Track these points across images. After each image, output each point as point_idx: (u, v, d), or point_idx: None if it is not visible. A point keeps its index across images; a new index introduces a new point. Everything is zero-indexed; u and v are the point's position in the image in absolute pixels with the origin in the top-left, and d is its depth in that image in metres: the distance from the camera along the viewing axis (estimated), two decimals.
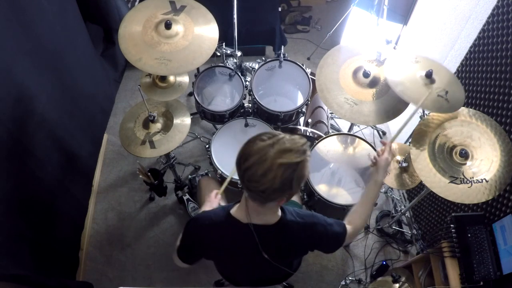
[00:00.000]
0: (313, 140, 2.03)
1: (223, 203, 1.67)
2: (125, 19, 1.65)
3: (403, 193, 2.53)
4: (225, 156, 2.00)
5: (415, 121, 1.56)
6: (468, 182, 1.42)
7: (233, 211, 1.13)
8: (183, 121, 1.91)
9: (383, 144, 1.40)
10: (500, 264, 1.51)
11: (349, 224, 1.26)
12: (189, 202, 2.33)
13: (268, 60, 2.19)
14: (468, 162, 1.45)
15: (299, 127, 2.14)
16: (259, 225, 1.09)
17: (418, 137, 1.52)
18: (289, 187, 0.95)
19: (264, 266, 1.16)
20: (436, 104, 1.45)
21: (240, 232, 1.12)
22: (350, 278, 2.24)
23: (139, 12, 1.67)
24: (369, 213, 1.35)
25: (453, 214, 1.67)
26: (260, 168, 0.91)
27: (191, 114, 2.01)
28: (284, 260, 1.25)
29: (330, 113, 2.47)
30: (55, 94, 1.93)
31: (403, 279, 1.91)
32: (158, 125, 1.88)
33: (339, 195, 1.85)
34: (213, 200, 1.46)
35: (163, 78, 1.98)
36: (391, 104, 1.68)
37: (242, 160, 0.94)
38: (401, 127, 1.43)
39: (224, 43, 2.35)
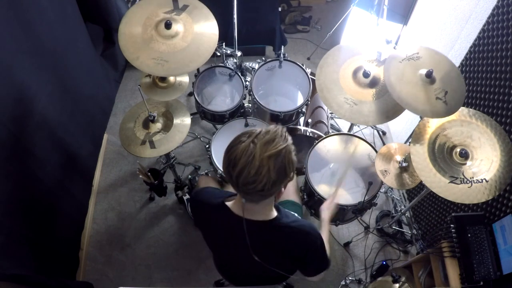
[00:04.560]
0: (313, 140, 2.03)
1: None
2: (127, 15, 1.65)
3: (403, 193, 2.53)
4: None
5: (415, 121, 1.56)
6: (468, 182, 1.42)
7: (228, 202, 1.14)
8: (183, 121, 1.91)
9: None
10: (500, 264, 1.51)
11: None
12: (189, 202, 2.33)
13: (268, 60, 2.19)
14: (468, 162, 1.45)
15: (299, 127, 2.14)
16: (252, 220, 1.08)
17: (418, 137, 1.52)
18: (284, 175, 0.95)
19: (252, 262, 1.14)
20: (434, 109, 1.44)
21: (230, 222, 1.12)
22: (350, 278, 2.24)
23: (141, 9, 1.67)
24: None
25: (453, 214, 1.67)
26: (251, 168, 0.90)
27: (191, 114, 2.01)
28: (270, 261, 1.23)
29: (330, 113, 2.47)
30: (55, 94, 1.93)
31: (403, 279, 1.91)
32: (158, 125, 1.88)
33: (339, 195, 1.84)
34: None
35: (163, 78, 1.98)
36: (391, 104, 1.68)
37: (231, 167, 0.93)
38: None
39: (224, 43, 2.35)
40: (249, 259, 1.14)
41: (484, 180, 1.41)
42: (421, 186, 1.99)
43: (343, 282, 2.23)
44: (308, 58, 3.24)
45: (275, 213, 1.12)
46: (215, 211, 1.16)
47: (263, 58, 2.62)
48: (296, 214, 1.48)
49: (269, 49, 3.22)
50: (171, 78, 2.00)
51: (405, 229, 2.38)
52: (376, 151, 1.89)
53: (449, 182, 1.42)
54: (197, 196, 1.24)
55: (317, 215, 1.99)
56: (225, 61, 2.43)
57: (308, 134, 2.09)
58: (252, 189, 0.94)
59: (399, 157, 1.85)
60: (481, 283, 1.51)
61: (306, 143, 2.07)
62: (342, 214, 1.94)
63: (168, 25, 1.62)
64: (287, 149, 0.95)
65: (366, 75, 1.71)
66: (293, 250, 1.16)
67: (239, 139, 0.95)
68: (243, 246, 1.12)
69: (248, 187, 0.93)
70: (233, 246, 1.22)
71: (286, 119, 2.11)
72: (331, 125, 2.55)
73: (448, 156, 1.47)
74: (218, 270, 1.54)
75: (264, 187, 0.93)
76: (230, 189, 1.19)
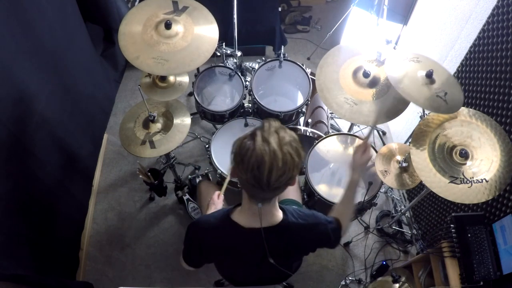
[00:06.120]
0: (313, 140, 2.03)
1: (221, 205, 1.67)
2: (127, 16, 1.65)
3: (403, 193, 2.53)
4: (225, 156, 2.00)
5: (415, 121, 1.56)
6: (468, 182, 1.42)
7: (233, 215, 1.12)
8: (183, 121, 1.91)
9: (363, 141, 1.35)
10: (500, 264, 1.51)
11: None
12: (189, 202, 2.33)
13: (268, 60, 2.19)
14: (468, 162, 1.44)
15: (299, 127, 2.14)
16: (264, 228, 1.08)
17: (418, 137, 1.52)
18: (300, 155, 0.96)
19: (266, 268, 1.17)
20: (434, 104, 1.44)
21: (241, 237, 1.12)
22: (350, 278, 2.24)
23: (141, 10, 1.67)
24: (350, 213, 1.34)
25: (453, 214, 1.67)
26: (278, 161, 0.90)
27: (191, 114, 2.01)
28: (287, 261, 1.25)
29: (330, 113, 2.47)
30: (55, 94, 1.93)
31: (403, 279, 1.91)
32: (158, 125, 1.88)
33: (339, 195, 1.83)
34: (217, 202, 1.47)
35: (163, 78, 1.98)
36: (391, 104, 1.68)
37: (257, 171, 0.90)
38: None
39: (224, 43, 2.35)
40: (264, 266, 1.15)
41: (484, 180, 1.41)
42: (421, 186, 1.99)
43: (343, 282, 2.23)
44: (308, 58, 3.24)
45: (281, 214, 1.12)
46: (222, 231, 1.14)
47: (263, 58, 2.61)
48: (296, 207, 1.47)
49: (269, 49, 3.22)
50: (171, 78, 2.00)
51: (405, 229, 2.38)
52: (376, 151, 1.89)
53: (449, 182, 1.42)
54: (197, 226, 1.18)
55: None
56: (225, 61, 2.43)
57: (308, 134, 2.09)
58: (285, 180, 0.94)
59: (399, 157, 1.85)
60: (481, 283, 1.51)
61: (306, 143, 2.07)
62: None
63: (168, 25, 1.62)
64: (288, 131, 0.96)
65: (366, 75, 1.71)
66: (310, 245, 1.22)
67: (245, 144, 0.93)
68: (258, 256, 1.13)
69: (280, 179, 0.93)
70: (247, 260, 1.22)
71: (286, 119, 2.11)
72: (331, 125, 2.55)
73: (448, 156, 1.47)
74: (222, 276, 1.54)
75: (293, 173, 0.95)
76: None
